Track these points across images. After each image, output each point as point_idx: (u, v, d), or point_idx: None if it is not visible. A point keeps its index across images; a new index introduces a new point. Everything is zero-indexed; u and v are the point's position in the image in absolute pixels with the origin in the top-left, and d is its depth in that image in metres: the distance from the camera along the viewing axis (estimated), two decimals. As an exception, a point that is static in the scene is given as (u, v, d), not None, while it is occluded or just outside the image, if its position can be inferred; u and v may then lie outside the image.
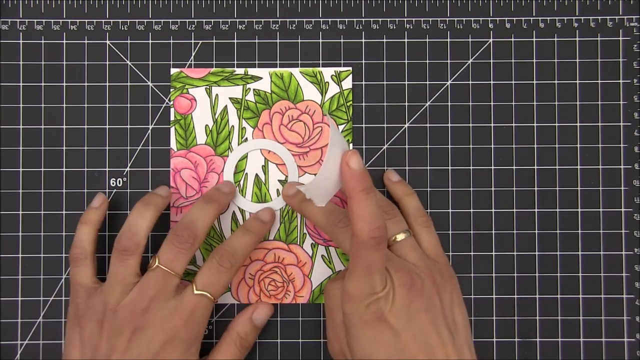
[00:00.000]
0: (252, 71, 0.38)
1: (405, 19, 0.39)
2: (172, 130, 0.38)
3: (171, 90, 0.38)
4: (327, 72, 0.38)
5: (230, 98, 0.38)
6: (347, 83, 0.38)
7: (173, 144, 0.38)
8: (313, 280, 0.38)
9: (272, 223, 0.37)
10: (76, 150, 0.38)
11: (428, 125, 0.38)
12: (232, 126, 0.38)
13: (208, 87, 0.38)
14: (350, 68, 0.38)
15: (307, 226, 0.38)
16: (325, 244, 0.38)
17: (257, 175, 0.38)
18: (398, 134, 0.38)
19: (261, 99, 0.38)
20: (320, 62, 0.38)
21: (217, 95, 0.38)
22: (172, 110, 0.38)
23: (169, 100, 0.38)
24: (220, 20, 0.39)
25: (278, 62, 0.38)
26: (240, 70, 0.38)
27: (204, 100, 0.38)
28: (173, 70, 0.38)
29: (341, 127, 0.38)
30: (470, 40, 0.39)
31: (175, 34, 0.38)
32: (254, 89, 0.38)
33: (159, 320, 0.32)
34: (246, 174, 0.38)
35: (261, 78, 0.38)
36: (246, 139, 0.38)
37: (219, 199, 0.36)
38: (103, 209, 0.36)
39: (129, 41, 0.38)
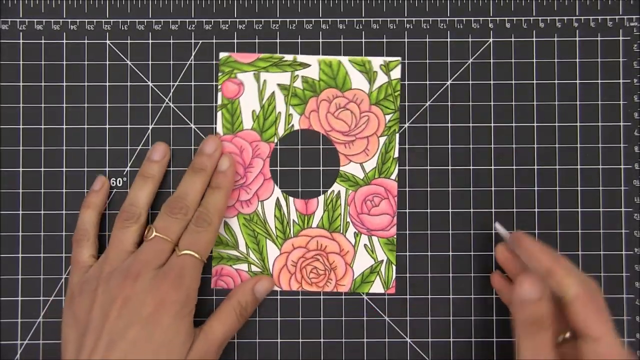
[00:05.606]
0: (300, 58, 0.38)
1: (405, 19, 0.39)
2: (219, 114, 0.38)
3: (219, 74, 0.38)
4: (376, 62, 0.38)
5: (278, 84, 0.38)
6: (396, 73, 0.38)
7: (220, 128, 0.38)
8: (355, 269, 0.38)
9: (220, 154, 0.37)
10: (76, 150, 0.38)
11: (428, 125, 0.38)
12: (279, 112, 0.38)
13: (256, 72, 0.38)
14: (399, 58, 0.38)
15: (350, 215, 0.38)
16: (368, 233, 0.38)
17: None
18: (398, 134, 0.38)
19: (309, 86, 0.38)
20: (320, 62, 0.38)
21: (265, 80, 0.38)
22: (219, 94, 0.38)
23: (218, 85, 0.38)
24: (220, 20, 0.39)
25: (278, 62, 0.38)
26: (289, 57, 0.38)
27: (251, 85, 0.38)
28: (222, 54, 0.38)
29: (388, 117, 0.38)
30: (470, 40, 0.39)
31: (175, 34, 0.38)
32: (302, 76, 0.38)
33: (148, 285, 0.32)
34: None
35: (310, 65, 0.38)
36: (292, 125, 0.38)
37: (205, 166, 0.36)
38: (104, 191, 0.37)
39: (129, 41, 0.38)
